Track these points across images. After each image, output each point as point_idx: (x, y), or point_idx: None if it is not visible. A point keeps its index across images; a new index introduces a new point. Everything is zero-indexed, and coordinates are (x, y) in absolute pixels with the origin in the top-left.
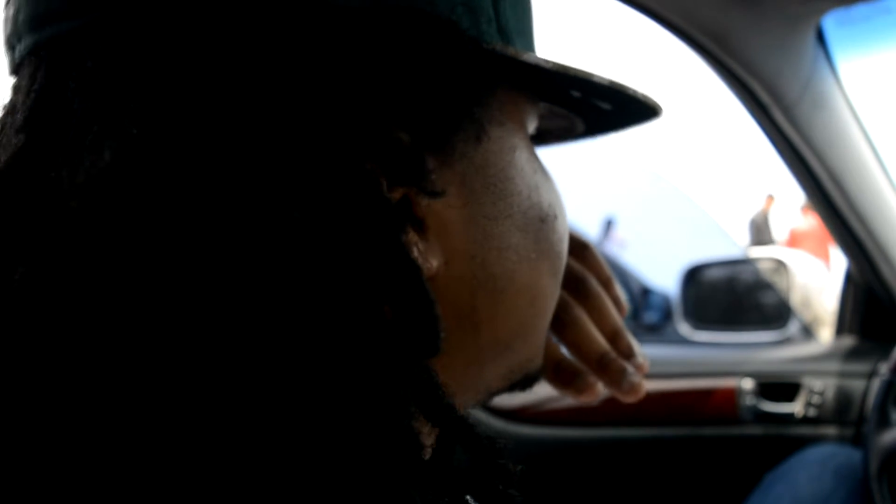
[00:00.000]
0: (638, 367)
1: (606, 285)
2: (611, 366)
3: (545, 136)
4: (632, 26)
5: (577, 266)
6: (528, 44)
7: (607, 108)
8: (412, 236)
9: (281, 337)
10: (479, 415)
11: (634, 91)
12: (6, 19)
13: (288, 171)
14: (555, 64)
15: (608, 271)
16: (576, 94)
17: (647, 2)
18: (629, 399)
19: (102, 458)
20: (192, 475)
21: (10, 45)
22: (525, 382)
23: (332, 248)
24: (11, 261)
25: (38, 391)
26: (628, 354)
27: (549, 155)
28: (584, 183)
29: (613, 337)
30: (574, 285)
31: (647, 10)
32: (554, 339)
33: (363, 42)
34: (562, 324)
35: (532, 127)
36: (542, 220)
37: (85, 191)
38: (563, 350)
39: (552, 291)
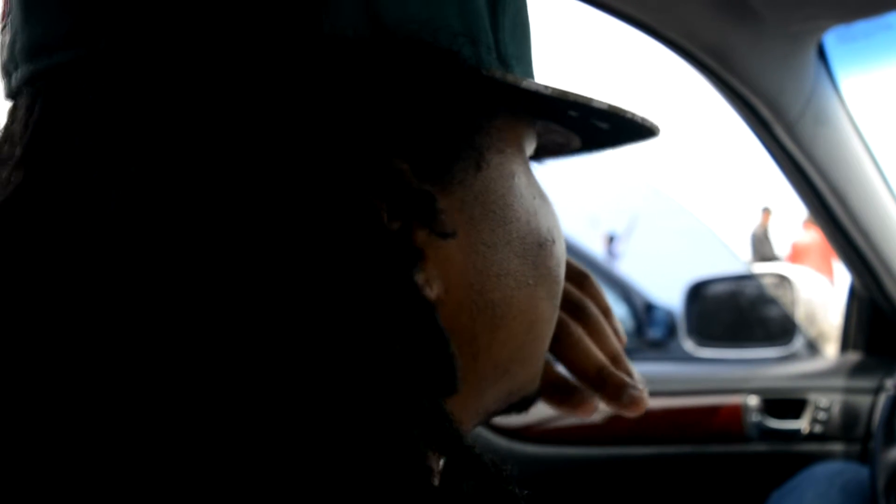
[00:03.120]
0: None
1: (605, 314)
2: (610, 379)
3: (540, 152)
4: (634, 43)
5: (576, 293)
6: (527, 70)
7: (605, 127)
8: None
9: (289, 366)
10: (483, 434)
11: (633, 114)
12: (2, 45)
13: (290, 203)
14: (554, 90)
15: (607, 302)
16: (573, 113)
17: (648, 20)
18: (630, 413)
19: (103, 458)
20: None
21: (7, 72)
22: (522, 404)
23: (337, 284)
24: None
25: (40, 392)
26: (628, 375)
27: (549, 172)
28: (585, 200)
29: (613, 360)
30: (573, 310)
31: (649, 28)
32: (551, 359)
33: (364, 73)
34: (560, 342)
35: (530, 150)
36: (540, 245)
37: (91, 242)
38: (561, 370)
39: (550, 316)
